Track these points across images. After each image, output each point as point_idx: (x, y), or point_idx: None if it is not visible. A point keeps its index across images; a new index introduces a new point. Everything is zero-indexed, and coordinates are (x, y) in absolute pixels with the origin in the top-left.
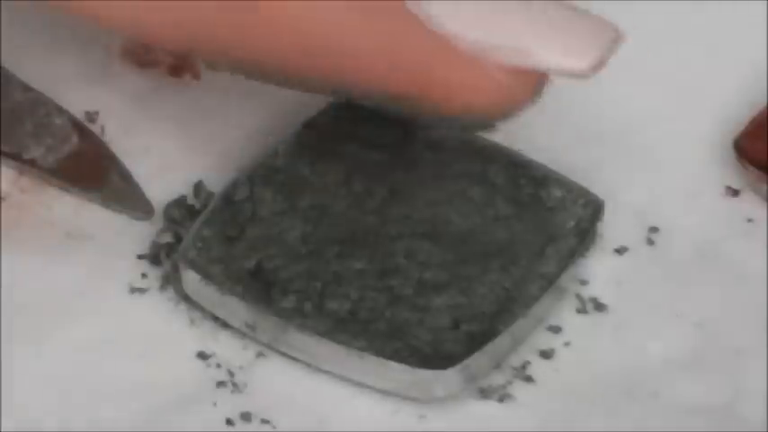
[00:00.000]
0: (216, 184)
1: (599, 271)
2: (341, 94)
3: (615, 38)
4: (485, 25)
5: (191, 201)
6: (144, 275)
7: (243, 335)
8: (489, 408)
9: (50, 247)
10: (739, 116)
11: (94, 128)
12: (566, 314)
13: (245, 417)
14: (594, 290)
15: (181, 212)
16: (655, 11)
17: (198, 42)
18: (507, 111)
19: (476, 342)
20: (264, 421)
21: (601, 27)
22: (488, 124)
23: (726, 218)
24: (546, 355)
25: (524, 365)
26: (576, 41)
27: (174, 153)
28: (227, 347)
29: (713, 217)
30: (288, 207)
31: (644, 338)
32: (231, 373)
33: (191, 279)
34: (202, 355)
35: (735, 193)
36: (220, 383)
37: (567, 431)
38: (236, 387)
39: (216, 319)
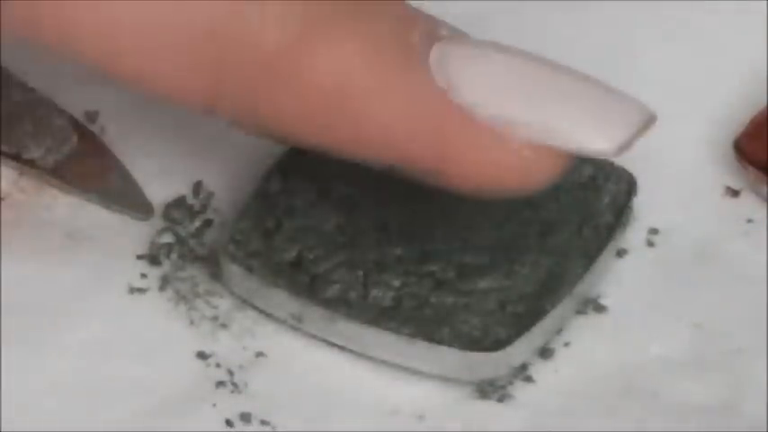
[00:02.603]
0: (216, 184)
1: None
2: (357, 160)
3: (646, 121)
4: (509, 99)
5: (191, 201)
6: (143, 275)
7: (290, 327)
8: (489, 407)
9: (50, 247)
10: (739, 116)
11: (94, 128)
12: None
13: (245, 417)
14: (594, 291)
15: (181, 212)
16: (655, 11)
17: (214, 102)
18: (529, 187)
19: (523, 323)
20: (264, 422)
21: (632, 108)
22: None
23: (726, 218)
24: (546, 355)
25: (524, 365)
26: (605, 123)
27: (173, 153)
28: (226, 347)
29: (713, 217)
30: (322, 197)
31: (644, 338)
32: (231, 373)
33: (233, 273)
34: (202, 355)
35: (735, 193)
36: (220, 383)
37: (567, 431)
38: (235, 387)
39: (215, 318)
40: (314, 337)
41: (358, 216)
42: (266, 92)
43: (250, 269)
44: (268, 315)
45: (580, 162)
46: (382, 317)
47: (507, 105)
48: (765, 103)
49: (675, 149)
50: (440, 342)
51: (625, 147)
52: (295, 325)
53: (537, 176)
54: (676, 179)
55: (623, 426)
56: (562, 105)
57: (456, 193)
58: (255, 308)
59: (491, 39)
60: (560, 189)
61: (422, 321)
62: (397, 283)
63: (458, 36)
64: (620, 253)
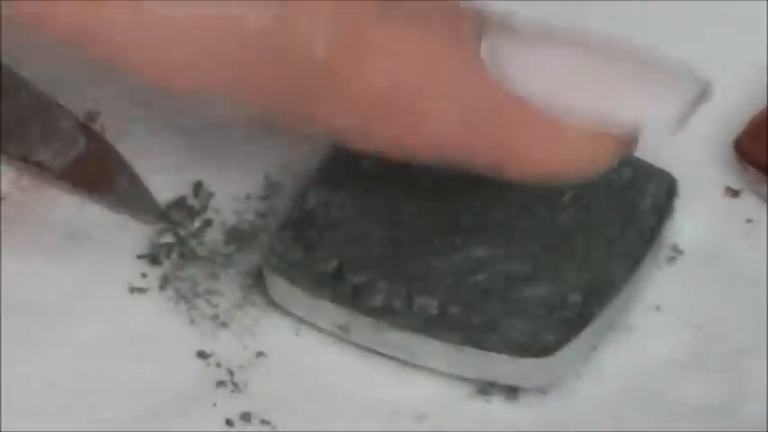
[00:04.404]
0: (216, 184)
1: None
2: (411, 157)
3: (702, 91)
4: (563, 87)
5: (191, 201)
6: (144, 275)
7: (336, 338)
8: (489, 408)
9: (51, 247)
10: (739, 116)
11: (95, 127)
12: None
13: (245, 417)
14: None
15: (181, 212)
16: (655, 10)
17: (271, 114)
18: (587, 174)
19: (572, 328)
20: (264, 422)
21: (687, 81)
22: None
23: (726, 218)
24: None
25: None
26: (661, 99)
27: (173, 153)
28: (227, 347)
29: (713, 217)
30: (362, 207)
31: (644, 338)
32: (231, 373)
33: (277, 285)
34: (202, 355)
35: (735, 193)
36: (220, 383)
37: (568, 431)
38: (235, 387)
39: (216, 318)
40: (362, 347)
41: (399, 226)
42: (322, 99)
43: (292, 280)
44: (315, 326)
45: (620, 165)
46: (429, 325)
47: (562, 93)
48: (765, 103)
49: (675, 149)
50: (488, 349)
51: (684, 119)
52: (342, 336)
53: (596, 163)
54: (676, 179)
55: (624, 425)
56: (616, 87)
57: (516, 183)
58: (301, 319)
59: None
60: (601, 193)
61: (470, 328)
62: (441, 291)
63: (506, 24)
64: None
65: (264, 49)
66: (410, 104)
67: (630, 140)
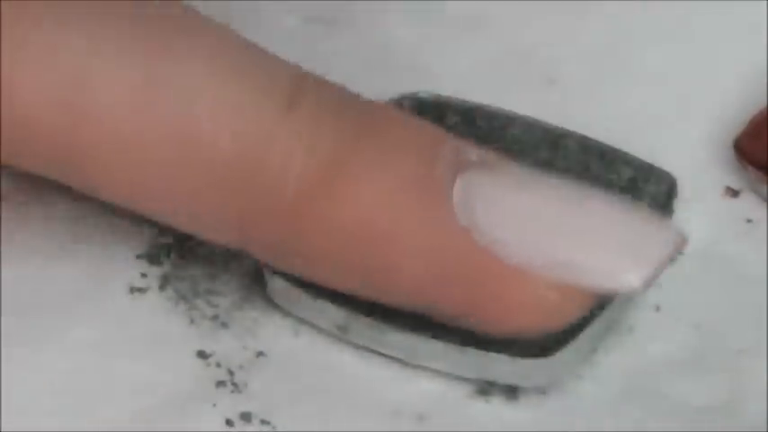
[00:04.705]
0: None
1: None
2: (377, 300)
3: (675, 248)
4: (536, 234)
5: None
6: (143, 275)
7: (336, 338)
8: (489, 408)
9: (50, 246)
10: (739, 116)
11: None
12: None
13: (245, 417)
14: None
15: None
16: (654, 11)
17: (244, 245)
18: (554, 327)
19: (571, 329)
20: (264, 422)
21: (660, 238)
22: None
23: (726, 218)
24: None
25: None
26: (633, 261)
27: None
28: (227, 347)
29: (713, 217)
30: None
31: (644, 338)
32: (231, 373)
33: (277, 285)
34: (202, 355)
35: (734, 193)
36: (220, 383)
37: (568, 431)
38: (235, 387)
39: (216, 317)
40: (363, 347)
41: None
42: (292, 236)
43: (292, 280)
44: (315, 327)
45: (619, 164)
46: (429, 325)
47: (533, 244)
48: (765, 103)
49: (675, 149)
50: (488, 349)
51: (652, 281)
52: (342, 336)
53: (563, 316)
54: (677, 178)
55: (624, 425)
56: (589, 245)
57: (484, 333)
58: (300, 320)
59: (510, 111)
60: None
61: (470, 329)
62: None
63: (484, 163)
64: None
65: (236, 186)
66: (377, 248)
67: (601, 296)
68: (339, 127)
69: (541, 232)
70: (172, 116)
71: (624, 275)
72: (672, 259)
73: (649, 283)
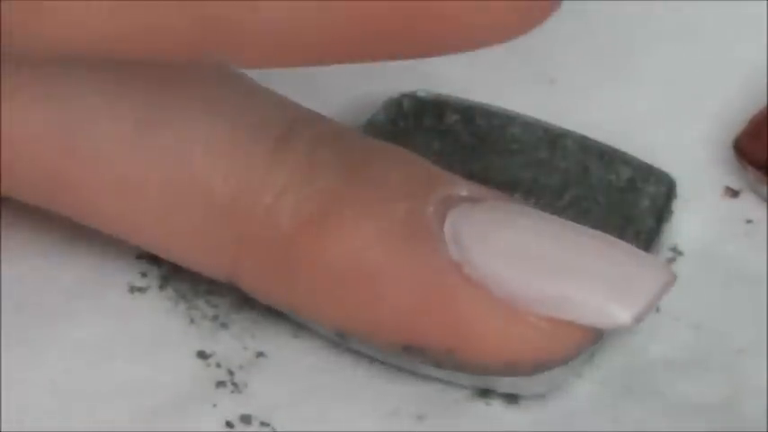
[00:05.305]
0: None
1: None
2: (373, 344)
3: (664, 286)
4: (523, 276)
5: None
6: (143, 275)
7: (333, 343)
8: (489, 408)
9: (51, 247)
10: (739, 116)
11: None
12: None
13: (245, 417)
14: None
15: None
16: (654, 10)
17: (234, 279)
18: (546, 363)
19: None
20: (264, 423)
21: (650, 276)
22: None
23: (726, 218)
24: None
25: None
26: (623, 298)
27: None
28: (227, 347)
29: (713, 217)
30: None
31: (644, 338)
32: (231, 373)
33: None
34: (202, 355)
35: (734, 193)
36: (220, 383)
37: (568, 431)
38: (235, 387)
39: (216, 317)
40: (361, 354)
41: None
42: (282, 272)
43: None
44: (314, 332)
45: (619, 164)
46: None
47: (522, 282)
48: (765, 103)
49: (675, 149)
50: None
51: (643, 318)
52: (340, 342)
53: (554, 353)
54: (676, 179)
55: (624, 425)
56: (579, 281)
57: (471, 372)
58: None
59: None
60: (600, 193)
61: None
62: None
63: (473, 201)
64: None
65: (227, 223)
66: (366, 288)
67: (592, 332)
68: (332, 166)
69: (532, 267)
70: (164, 159)
71: (615, 312)
72: (663, 294)
73: (640, 319)
